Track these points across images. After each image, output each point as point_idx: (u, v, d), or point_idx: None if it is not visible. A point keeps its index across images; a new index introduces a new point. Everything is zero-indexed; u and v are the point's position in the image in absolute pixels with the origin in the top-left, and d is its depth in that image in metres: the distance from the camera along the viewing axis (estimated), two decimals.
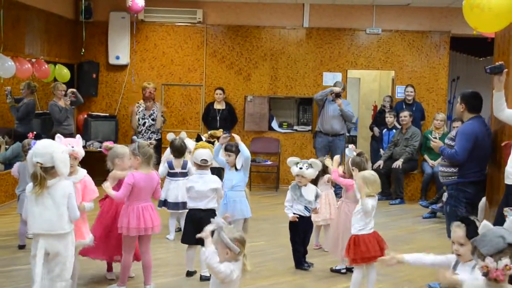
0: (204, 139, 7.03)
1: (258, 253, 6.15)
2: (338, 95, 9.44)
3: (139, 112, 9.05)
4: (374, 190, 4.70)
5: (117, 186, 4.90)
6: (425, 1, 10.19)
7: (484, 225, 2.81)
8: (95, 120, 10.25)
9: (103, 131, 10.21)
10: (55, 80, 9.53)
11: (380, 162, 9.57)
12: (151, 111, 9.05)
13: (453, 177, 5.54)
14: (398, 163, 9.41)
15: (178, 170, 6.66)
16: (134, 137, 8.10)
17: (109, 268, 5.28)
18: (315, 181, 5.83)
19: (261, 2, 10.58)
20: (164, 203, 6.64)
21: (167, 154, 6.93)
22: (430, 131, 9.46)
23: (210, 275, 3.72)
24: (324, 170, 6.00)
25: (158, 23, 10.70)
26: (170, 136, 6.91)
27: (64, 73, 9.68)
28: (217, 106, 10.26)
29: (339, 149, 9.50)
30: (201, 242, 3.57)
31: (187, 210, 5.38)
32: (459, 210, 5.40)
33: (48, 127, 9.18)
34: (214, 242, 3.45)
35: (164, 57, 10.77)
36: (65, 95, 8.95)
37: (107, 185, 4.81)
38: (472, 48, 11.88)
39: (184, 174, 6.62)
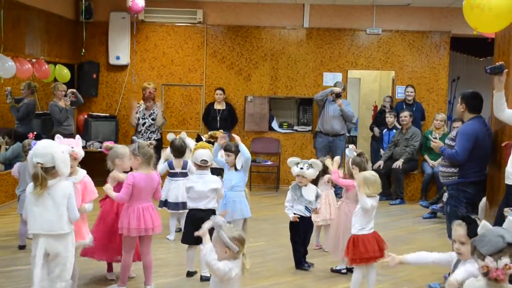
0: (204, 139, 7.03)
1: (258, 253, 6.15)
2: (338, 95, 9.44)
3: (139, 112, 9.05)
4: (375, 190, 4.71)
5: (117, 187, 4.90)
6: (425, 1, 10.19)
7: (483, 226, 2.81)
8: (95, 120, 10.25)
9: (103, 132, 10.21)
10: (55, 80, 9.54)
11: (380, 162, 9.57)
12: (151, 111, 9.05)
13: (453, 177, 5.54)
14: (398, 163, 9.41)
15: (178, 170, 6.66)
16: (134, 137, 8.10)
17: (110, 269, 5.28)
18: (315, 181, 5.83)
19: (261, 3, 10.58)
20: (164, 203, 6.64)
21: (168, 153, 6.93)
22: (430, 131, 9.46)
23: (211, 275, 3.73)
24: (325, 170, 6.00)
25: (158, 24, 10.71)
26: (170, 136, 6.91)
27: (64, 73, 9.68)
28: (217, 106, 10.26)
29: (339, 149, 9.51)
30: (201, 242, 3.57)
31: (187, 210, 5.38)
32: (459, 210, 5.39)
33: (48, 128, 9.18)
34: (213, 241, 3.45)
35: (164, 57, 10.77)
36: (65, 95, 8.95)
37: (109, 187, 4.82)
38: (472, 48, 11.88)
39: (185, 174, 6.63)
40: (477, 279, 2.76)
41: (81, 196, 4.44)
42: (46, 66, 9.12)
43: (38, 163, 3.85)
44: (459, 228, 3.36)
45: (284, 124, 10.95)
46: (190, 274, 5.36)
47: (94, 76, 10.59)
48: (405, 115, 9.54)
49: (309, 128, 10.76)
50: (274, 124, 10.86)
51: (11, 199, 8.12)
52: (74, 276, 4.43)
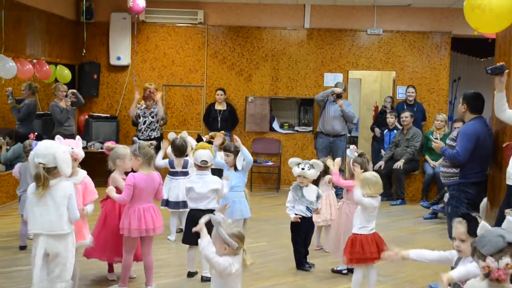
0: (204, 139, 7.03)
1: (259, 254, 6.14)
2: (339, 96, 9.44)
3: (140, 110, 9.03)
4: (376, 191, 4.72)
5: (117, 188, 4.91)
6: (426, 1, 10.18)
7: (483, 226, 2.81)
8: (96, 121, 10.26)
9: (104, 132, 10.21)
10: (56, 81, 9.54)
11: (381, 163, 9.57)
12: (151, 110, 9.02)
13: (454, 178, 5.53)
14: (399, 164, 9.41)
15: (179, 169, 6.67)
16: (135, 138, 8.10)
17: (110, 269, 5.28)
18: (316, 182, 5.83)
19: (262, 3, 10.58)
20: (166, 203, 6.64)
21: (169, 151, 6.91)
22: (431, 131, 9.45)
23: (211, 275, 3.73)
24: (325, 171, 6.00)
25: (159, 24, 10.71)
26: (171, 136, 6.92)
27: (65, 74, 9.68)
28: (218, 107, 10.26)
29: (340, 150, 9.51)
30: None
31: (188, 209, 5.38)
32: (460, 211, 5.38)
33: (49, 128, 9.19)
34: (212, 238, 3.46)
35: (165, 58, 10.78)
36: (66, 96, 8.95)
37: (111, 188, 4.82)
38: (473, 48, 11.87)
39: (185, 173, 6.65)
40: (477, 280, 2.76)
41: (82, 197, 4.45)
42: (47, 67, 9.13)
43: (40, 163, 3.86)
44: (459, 226, 3.38)
45: (285, 124, 10.94)
46: (191, 274, 5.36)
47: (95, 76, 10.60)
48: (406, 115, 9.53)
49: (310, 128, 10.76)
50: (275, 125, 10.86)
51: (12, 200, 8.12)
52: (75, 277, 4.44)
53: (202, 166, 5.17)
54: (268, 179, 10.76)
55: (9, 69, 7.88)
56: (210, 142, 6.65)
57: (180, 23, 10.70)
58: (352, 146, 5.68)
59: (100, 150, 9.59)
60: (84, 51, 9.94)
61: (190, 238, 4.94)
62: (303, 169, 5.54)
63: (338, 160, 5.72)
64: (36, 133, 6.72)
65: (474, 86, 9.82)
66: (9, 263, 5.66)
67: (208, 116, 10.33)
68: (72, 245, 4.02)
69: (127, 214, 4.74)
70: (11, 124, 9.00)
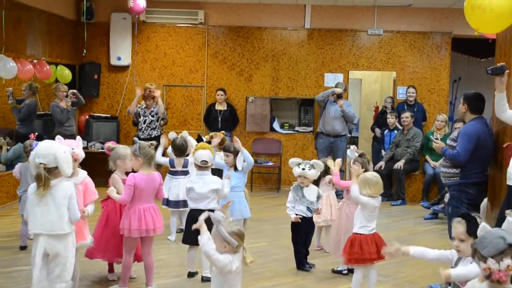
0: (204, 139, 7.04)
1: (259, 254, 6.14)
2: (339, 96, 9.43)
3: (141, 109, 9.03)
4: (376, 191, 4.72)
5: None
6: (426, 2, 10.18)
7: (483, 228, 2.81)
8: (96, 121, 10.26)
9: (104, 132, 10.22)
10: (56, 81, 9.55)
11: (382, 163, 9.57)
12: (151, 109, 9.01)
13: (455, 178, 5.53)
14: (399, 164, 9.40)
15: (179, 168, 6.68)
16: (135, 138, 8.10)
17: (111, 269, 5.28)
18: (316, 182, 5.83)
19: (262, 3, 10.58)
20: (166, 202, 6.64)
21: (169, 151, 6.93)
22: (431, 132, 9.45)
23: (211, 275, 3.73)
24: (326, 171, 6.00)
25: (159, 24, 10.71)
26: (171, 135, 6.93)
27: (65, 74, 9.69)
28: (218, 107, 10.26)
29: (340, 150, 9.51)
30: None
31: (188, 209, 5.37)
32: (460, 211, 5.37)
33: (50, 128, 9.19)
34: (212, 236, 3.47)
35: (165, 58, 10.78)
36: (66, 96, 8.95)
37: (112, 189, 4.82)
38: (473, 49, 11.87)
39: (185, 173, 6.66)
40: (477, 281, 2.76)
41: (82, 197, 4.45)
42: (48, 67, 9.13)
43: (40, 163, 3.86)
44: (459, 226, 3.39)
45: (285, 125, 10.94)
46: (191, 274, 5.36)
47: (95, 76, 10.60)
48: (407, 115, 9.53)
49: (310, 129, 10.76)
50: (275, 125, 10.86)
51: (12, 200, 8.13)
52: (75, 277, 4.44)
53: (202, 166, 5.17)
54: (268, 179, 10.76)
55: (10, 69, 7.89)
56: (210, 142, 6.66)
57: (181, 23, 10.70)
58: (352, 147, 5.68)
59: (100, 150, 9.59)
60: (85, 51, 9.94)
61: (190, 238, 4.94)
62: (303, 169, 5.54)
63: (338, 160, 5.72)
64: (36, 133, 6.73)
65: (474, 87, 9.80)
66: (10, 263, 5.66)
67: (208, 117, 10.33)
68: (72, 245, 4.02)
69: (128, 214, 4.74)
70: (12, 124, 9.00)
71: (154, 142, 5.86)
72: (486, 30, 5.08)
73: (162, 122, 9.21)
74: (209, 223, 3.53)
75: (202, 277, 5.24)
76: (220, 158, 6.02)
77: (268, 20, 10.69)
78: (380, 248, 4.74)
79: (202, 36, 10.72)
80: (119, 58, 10.64)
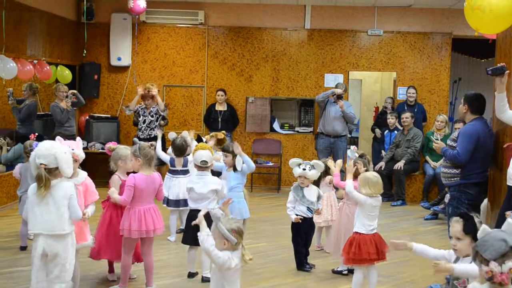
0: (204, 140, 7.05)
1: (259, 255, 6.14)
2: (339, 97, 9.43)
3: (141, 109, 9.02)
4: (376, 191, 4.73)
5: (120, 189, 4.91)
6: (426, 2, 10.18)
7: (483, 230, 2.81)
8: (96, 121, 10.26)
9: (104, 133, 10.22)
10: (56, 81, 9.55)
11: (382, 164, 9.57)
12: (151, 109, 8.99)
13: (455, 178, 5.54)
14: (399, 165, 9.41)
15: (179, 167, 6.69)
16: (135, 139, 8.11)
17: (111, 270, 5.28)
18: (317, 183, 5.84)
19: (262, 4, 10.58)
20: (166, 201, 6.64)
21: (170, 151, 6.97)
22: (432, 132, 9.46)
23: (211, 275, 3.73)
24: (326, 172, 6.01)
25: (159, 25, 10.71)
26: (171, 135, 6.95)
27: (65, 74, 9.69)
28: (218, 107, 10.27)
29: (340, 151, 9.50)
30: None
31: (188, 208, 5.37)
32: (460, 212, 5.39)
33: (50, 129, 9.19)
34: (212, 233, 3.48)
35: (165, 58, 10.78)
36: (67, 96, 8.95)
37: (113, 190, 4.83)
38: (473, 49, 11.87)
39: (185, 172, 6.67)
40: (478, 282, 2.76)
41: (83, 198, 4.45)
42: (48, 67, 9.14)
43: (41, 164, 3.86)
44: (456, 224, 3.44)
45: (285, 125, 10.95)
46: (191, 275, 5.36)
47: (96, 77, 10.60)
48: (407, 116, 9.53)
49: (311, 129, 10.76)
50: (276, 125, 10.86)
51: (12, 200, 8.13)
52: (76, 277, 4.45)
53: (202, 166, 5.17)
54: (268, 179, 10.76)
55: (10, 69, 7.89)
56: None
57: (181, 24, 10.70)
58: (352, 147, 5.68)
59: (100, 150, 9.61)
60: (85, 51, 9.94)
61: (191, 238, 4.95)
62: (304, 169, 5.54)
63: (339, 161, 5.72)
64: (36, 134, 6.73)
65: (474, 87, 9.84)
66: (10, 263, 5.66)
67: (208, 117, 10.34)
68: (71, 246, 4.02)
69: (128, 215, 4.74)
70: (12, 124, 9.01)
71: (154, 143, 5.89)
72: (486, 30, 5.08)
73: (163, 122, 9.20)
74: (208, 220, 3.54)
75: (202, 277, 5.24)
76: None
77: (268, 21, 10.69)
78: (381, 248, 4.75)
79: (202, 36, 10.72)
80: (119, 59, 10.64)
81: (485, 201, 5.77)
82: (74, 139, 4.78)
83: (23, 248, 6.07)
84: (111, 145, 5.22)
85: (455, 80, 11.94)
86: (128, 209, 4.76)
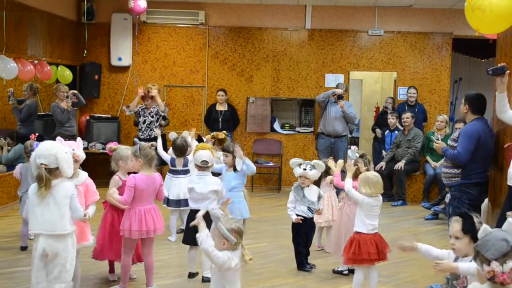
0: (205, 140, 7.05)
1: (260, 255, 6.14)
2: (340, 97, 9.42)
3: (141, 110, 9.02)
4: (376, 191, 4.72)
5: (120, 189, 4.91)
6: (427, 2, 10.18)
7: (484, 229, 2.81)
8: (97, 121, 10.26)
9: (105, 133, 10.22)
10: (57, 81, 9.55)
11: (382, 164, 9.57)
12: (151, 109, 8.99)
13: (456, 179, 5.53)
14: (400, 165, 9.40)
15: (179, 168, 6.70)
16: (136, 139, 8.11)
17: (111, 270, 5.29)
18: (317, 183, 5.84)
19: (263, 4, 10.58)
20: (166, 201, 6.64)
21: (170, 151, 6.98)
22: (432, 132, 9.45)
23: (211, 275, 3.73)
24: (327, 172, 6.01)
25: (160, 25, 10.71)
26: (172, 135, 6.95)
27: (66, 74, 9.70)
28: (219, 107, 10.27)
29: (341, 151, 9.50)
30: None
31: (188, 208, 5.36)
32: (461, 212, 5.39)
33: (50, 129, 9.19)
34: (211, 233, 3.48)
35: (166, 58, 10.78)
36: (67, 96, 8.95)
37: (114, 190, 4.83)
38: (474, 49, 11.86)
39: (186, 172, 6.68)
40: (478, 282, 2.76)
41: (84, 198, 4.46)
42: (48, 68, 9.14)
43: (42, 164, 3.86)
44: (455, 224, 3.46)
45: (286, 125, 10.95)
46: (191, 275, 5.36)
47: (96, 77, 10.61)
48: (407, 116, 9.53)
49: (311, 129, 10.76)
50: (276, 126, 10.86)
51: (13, 200, 8.13)
52: (77, 278, 4.45)
53: (202, 166, 5.17)
54: (269, 180, 10.75)
55: (11, 69, 7.89)
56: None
57: (181, 24, 10.70)
58: (353, 147, 5.68)
59: (101, 151, 9.61)
60: (85, 52, 9.93)
61: (191, 238, 4.93)
62: (305, 169, 5.54)
63: (340, 161, 5.71)
64: (37, 134, 6.73)
65: (475, 87, 9.83)
66: (10, 263, 5.66)
67: (209, 117, 10.34)
68: (72, 246, 4.02)
69: (128, 215, 4.74)
70: (13, 125, 9.01)
71: (154, 143, 5.90)
72: (486, 30, 5.08)
73: (163, 122, 9.20)
74: (208, 220, 3.54)
75: (203, 277, 5.24)
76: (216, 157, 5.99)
77: (269, 21, 10.69)
78: (381, 248, 4.74)
79: (203, 36, 10.72)
80: (119, 59, 10.64)
81: (486, 201, 5.76)
82: (74, 139, 4.78)
83: (24, 248, 6.07)
84: (112, 145, 5.22)
85: (456, 80, 11.94)
86: (128, 209, 4.76)
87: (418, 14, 10.57)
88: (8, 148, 8.37)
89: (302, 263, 5.74)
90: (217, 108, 10.26)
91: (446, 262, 3.35)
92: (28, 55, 8.81)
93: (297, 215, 5.60)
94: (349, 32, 10.64)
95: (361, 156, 5.44)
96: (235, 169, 5.72)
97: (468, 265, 3.23)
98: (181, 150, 6.64)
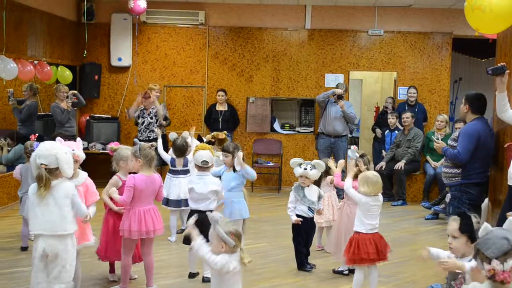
0: (205, 140, 7.05)
1: (260, 255, 6.15)
2: (340, 97, 9.43)
3: (140, 111, 9.00)
4: (375, 190, 4.72)
5: (120, 190, 4.91)
6: (427, 2, 10.18)
7: (485, 228, 2.81)
8: (97, 122, 10.26)
9: (105, 133, 10.22)
10: (57, 82, 9.55)
11: (383, 163, 9.57)
12: (150, 110, 8.97)
13: (456, 178, 5.54)
14: (400, 165, 9.40)
15: (179, 168, 6.70)
16: (136, 139, 8.11)
17: (112, 270, 5.28)
18: (317, 183, 5.84)
19: (263, 4, 10.58)
20: (166, 201, 6.64)
21: (171, 152, 6.99)
22: (432, 132, 9.46)
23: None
24: (327, 172, 6.01)
25: (160, 25, 10.71)
26: (172, 136, 6.95)
27: (66, 75, 9.69)
28: (219, 107, 10.27)
29: (341, 151, 9.50)
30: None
31: (188, 208, 5.36)
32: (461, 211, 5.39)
33: (50, 129, 9.19)
34: (210, 236, 3.49)
35: (166, 58, 10.78)
36: (67, 97, 8.95)
37: (114, 190, 4.83)
38: (474, 49, 11.86)
39: (186, 172, 6.68)
40: (479, 283, 2.76)
41: (84, 198, 4.45)
42: (48, 68, 9.14)
43: (42, 164, 3.86)
44: (453, 223, 3.49)
45: (286, 125, 10.95)
46: (192, 275, 5.36)
47: (96, 77, 10.61)
48: (407, 116, 9.53)
49: (311, 129, 10.75)
50: (276, 126, 10.86)
51: (13, 201, 8.13)
52: (77, 278, 4.45)
53: (202, 166, 5.16)
54: (269, 180, 10.75)
55: (10, 70, 7.89)
56: (211, 143, 6.67)
57: (181, 24, 10.71)
58: (353, 147, 5.68)
59: (101, 151, 9.62)
60: (85, 52, 9.93)
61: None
62: (305, 169, 5.54)
63: (341, 162, 5.71)
64: (37, 134, 6.73)
65: (475, 87, 9.83)
66: (11, 264, 5.66)
67: (209, 117, 10.34)
68: (72, 247, 4.01)
69: (128, 216, 4.74)
70: (13, 125, 9.01)
71: (154, 143, 5.89)
72: (486, 30, 5.09)
73: (165, 122, 9.19)
74: (201, 225, 3.54)
75: (203, 277, 5.24)
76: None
77: (269, 21, 10.69)
78: (381, 248, 4.74)
79: (203, 36, 10.72)
80: (119, 59, 10.64)
81: (486, 200, 5.77)
82: (74, 139, 4.79)
83: (24, 249, 6.06)
84: (113, 145, 5.22)
85: (456, 80, 11.94)
86: (128, 209, 4.76)
87: (418, 14, 10.57)
88: (8, 149, 8.37)
89: (303, 263, 5.74)
90: (217, 108, 10.26)
91: (452, 260, 3.35)
92: (28, 56, 8.81)
93: (298, 215, 5.60)
94: (349, 32, 10.65)
95: (361, 156, 5.44)
96: (234, 169, 5.72)
97: (474, 264, 3.23)
98: (181, 150, 6.65)
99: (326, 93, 9.66)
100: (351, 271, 5.43)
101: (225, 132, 7.38)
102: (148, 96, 8.81)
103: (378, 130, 10.46)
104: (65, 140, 4.43)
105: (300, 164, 5.60)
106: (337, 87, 9.69)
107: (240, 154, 5.47)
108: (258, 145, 10.67)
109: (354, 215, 4.94)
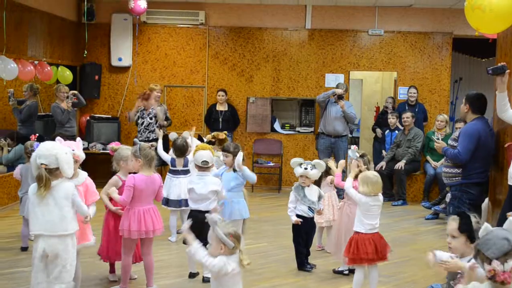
0: (205, 140, 7.05)
1: (260, 255, 6.15)
2: (340, 97, 9.43)
3: (140, 112, 8.99)
4: (375, 190, 4.72)
5: (120, 190, 4.91)
6: (427, 2, 10.18)
7: (485, 228, 2.81)
8: (97, 122, 10.26)
9: (105, 133, 10.22)
10: (57, 82, 9.55)
11: (383, 163, 9.57)
12: (149, 111, 8.95)
13: (457, 178, 5.54)
14: (400, 164, 9.40)
15: (180, 168, 6.70)
16: (136, 139, 8.10)
17: (112, 270, 5.29)
18: (318, 183, 5.83)
19: (263, 4, 10.58)
20: (166, 202, 6.64)
21: (171, 152, 6.99)
22: (432, 132, 9.46)
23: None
24: (327, 171, 6.01)
25: (160, 25, 10.72)
26: (172, 136, 6.95)
27: (66, 75, 9.70)
28: (219, 107, 10.27)
29: (341, 151, 9.50)
30: (204, 243, 3.57)
31: (189, 208, 5.36)
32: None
33: (51, 129, 9.19)
34: (209, 238, 3.49)
35: (166, 58, 10.78)
36: (67, 97, 8.94)
37: (113, 190, 4.83)
38: (474, 49, 11.86)
39: (186, 172, 6.68)
40: (480, 283, 2.76)
41: (84, 198, 4.45)
42: (49, 68, 9.14)
43: (42, 164, 3.86)
44: (453, 222, 3.49)
45: (286, 125, 10.94)
46: (192, 275, 5.36)
47: (96, 77, 10.61)
48: (407, 116, 9.53)
49: (311, 129, 10.75)
50: (276, 126, 10.86)
51: (13, 201, 8.13)
52: (77, 278, 4.45)
53: (202, 166, 5.16)
54: (269, 180, 10.75)
55: (11, 70, 7.89)
56: (211, 143, 6.67)
57: (182, 24, 10.71)
58: (353, 147, 5.67)
59: (101, 151, 9.62)
60: (86, 52, 9.93)
61: None
62: (305, 169, 5.54)
63: (342, 162, 5.71)
64: (37, 134, 6.73)
65: (475, 87, 9.83)
66: (11, 264, 5.66)
67: (209, 117, 10.34)
68: (72, 247, 4.02)
69: (127, 215, 4.74)
70: (13, 125, 9.01)
71: (154, 144, 5.89)
72: (486, 30, 5.09)
73: (165, 122, 9.18)
74: (196, 227, 3.54)
75: (203, 277, 5.24)
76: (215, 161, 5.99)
77: (269, 21, 10.69)
78: (380, 248, 4.74)
79: (203, 36, 10.72)
80: (120, 59, 10.64)
81: (486, 200, 5.76)
82: (74, 139, 4.78)
83: (24, 249, 6.06)
84: (113, 145, 5.22)
85: (456, 80, 11.94)
86: (127, 209, 4.76)
87: (418, 14, 10.57)
88: (8, 149, 8.37)
89: (303, 263, 5.74)
90: (217, 108, 10.26)
91: (454, 261, 3.34)
92: (28, 56, 8.81)
93: (298, 215, 5.60)
94: (349, 32, 10.64)
95: (362, 156, 5.43)
96: (234, 170, 5.71)
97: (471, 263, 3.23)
98: (182, 150, 6.65)
99: (326, 93, 9.66)
100: (351, 271, 5.43)
101: (225, 132, 7.37)
102: (147, 97, 8.80)
103: (378, 130, 10.45)
104: (65, 140, 4.43)
105: (300, 164, 5.60)
106: (337, 87, 9.69)
107: (240, 156, 5.46)
108: (258, 145, 10.67)
109: (354, 215, 4.94)
